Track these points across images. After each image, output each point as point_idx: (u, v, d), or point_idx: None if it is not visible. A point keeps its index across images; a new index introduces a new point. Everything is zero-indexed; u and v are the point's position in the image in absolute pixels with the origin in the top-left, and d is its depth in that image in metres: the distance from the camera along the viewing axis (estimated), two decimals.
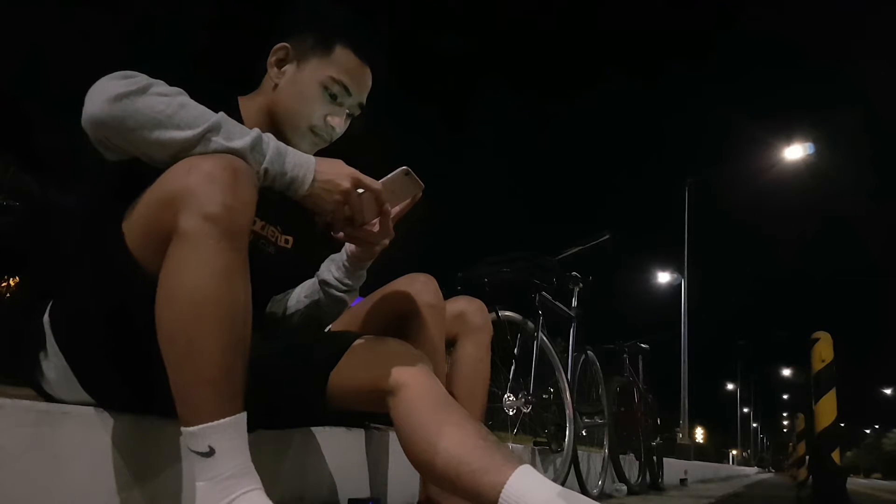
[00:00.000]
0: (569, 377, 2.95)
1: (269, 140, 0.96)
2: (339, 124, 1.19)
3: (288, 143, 1.07)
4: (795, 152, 13.23)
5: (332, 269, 1.28)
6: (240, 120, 1.07)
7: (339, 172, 0.99)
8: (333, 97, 1.17)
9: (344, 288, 1.27)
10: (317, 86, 1.16)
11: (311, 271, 1.33)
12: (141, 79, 0.91)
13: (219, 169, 0.86)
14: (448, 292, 1.38)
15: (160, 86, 0.91)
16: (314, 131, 1.18)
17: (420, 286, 1.28)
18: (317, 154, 1.10)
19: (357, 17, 1.20)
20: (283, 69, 1.18)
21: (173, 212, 0.85)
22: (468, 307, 1.39)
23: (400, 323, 1.27)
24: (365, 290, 1.36)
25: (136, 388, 0.99)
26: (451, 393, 1.05)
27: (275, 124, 1.17)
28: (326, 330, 1.35)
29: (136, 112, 0.88)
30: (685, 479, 6.31)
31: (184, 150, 0.90)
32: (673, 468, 5.96)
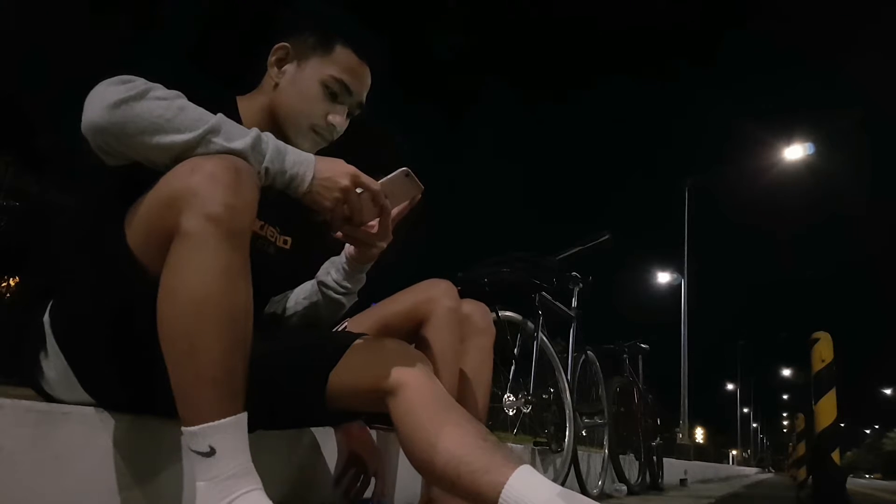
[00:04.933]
0: (569, 377, 2.95)
1: (269, 139, 0.96)
2: (339, 123, 1.19)
3: (289, 142, 1.07)
4: (795, 152, 13.23)
5: (331, 271, 1.28)
6: (238, 120, 1.07)
7: (339, 170, 0.99)
8: (334, 96, 1.17)
9: (342, 290, 1.27)
10: (318, 85, 1.16)
11: (309, 272, 1.33)
12: (139, 83, 0.91)
13: (221, 169, 0.86)
14: None
15: (158, 90, 0.91)
16: (315, 130, 1.18)
17: (442, 291, 1.30)
18: (317, 154, 1.10)
19: (356, 16, 1.21)
20: (283, 68, 1.18)
21: (175, 212, 0.85)
22: (473, 310, 1.40)
23: (420, 325, 1.28)
24: (368, 292, 1.36)
25: (136, 388, 0.99)
26: (455, 396, 1.05)
27: (276, 124, 1.17)
28: (343, 328, 1.35)
29: (136, 117, 0.88)
30: (685, 479, 6.31)
31: (185, 153, 0.90)
32: (673, 468, 5.96)
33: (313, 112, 1.17)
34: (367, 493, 1.46)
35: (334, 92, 1.17)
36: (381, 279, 1.37)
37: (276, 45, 1.18)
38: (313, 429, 1.41)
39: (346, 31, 1.18)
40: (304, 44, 1.17)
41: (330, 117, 1.18)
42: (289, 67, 1.18)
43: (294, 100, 1.16)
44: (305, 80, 1.16)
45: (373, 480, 1.46)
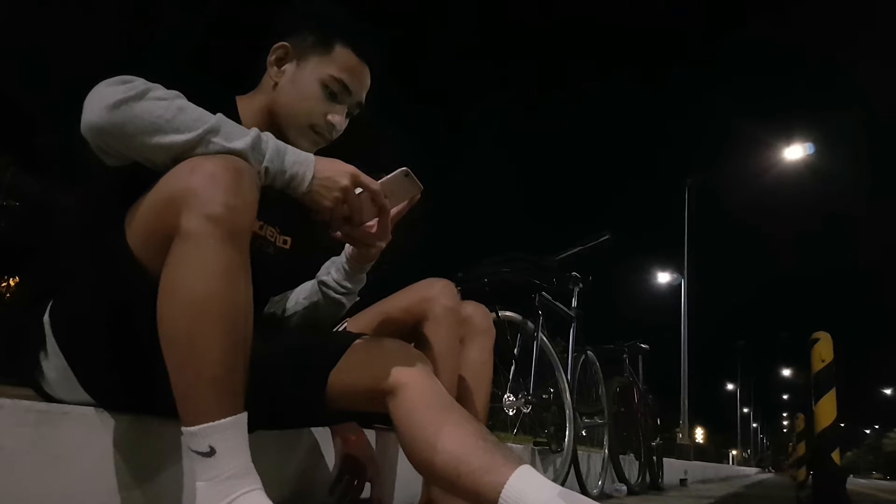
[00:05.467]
0: (569, 377, 2.95)
1: (269, 139, 0.96)
2: (339, 122, 1.19)
3: (288, 142, 1.07)
4: (795, 152, 13.23)
5: (331, 270, 1.28)
6: (238, 120, 1.07)
7: (339, 170, 0.99)
8: (333, 96, 1.17)
9: (343, 290, 1.27)
10: (317, 84, 1.16)
11: (309, 272, 1.33)
12: (138, 83, 0.91)
13: (221, 169, 0.86)
14: None
15: (158, 90, 0.91)
16: (314, 130, 1.18)
17: (439, 289, 1.30)
18: (316, 154, 1.10)
19: (356, 15, 1.21)
20: (282, 68, 1.18)
21: (176, 212, 0.85)
22: (475, 311, 1.40)
23: (418, 324, 1.28)
24: (370, 292, 1.36)
25: (136, 388, 0.99)
26: (454, 395, 1.04)
27: (275, 123, 1.17)
28: (343, 328, 1.35)
29: (136, 118, 0.88)
30: (685, 480, 6.31)
31: (184, 154, 0.90)
32: (673, 468, 5.96)
33: (312, 111, 1.16)
34: (365, 494, 1.46)
35: (333, 91, 1.17)
36: (382, 279, 1.37)
37: (276, 45, 1.18)
38: (313, 429, 1.41)
39: (345, 31, 1.18)
40: (303, 43, 1.17)
41: (329, 117, 1.18)
42: (288, 67, 1.18)
43: (293, 99, 1.16)
44: (305, 79, 1.16)
45: (368, 487, 1.46)
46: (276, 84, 1.18)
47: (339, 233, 1.08)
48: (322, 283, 1.28)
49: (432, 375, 1.03)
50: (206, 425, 0.82)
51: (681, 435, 12.39)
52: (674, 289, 14.80)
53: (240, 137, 0.92)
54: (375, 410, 1.03)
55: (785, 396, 49.19)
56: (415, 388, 0.99)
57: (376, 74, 1.23)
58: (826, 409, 3.09)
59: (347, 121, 1.23)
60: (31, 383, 1.04)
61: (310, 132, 1.18)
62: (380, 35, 1.23)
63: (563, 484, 2.34)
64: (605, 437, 3.41)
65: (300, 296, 1.32)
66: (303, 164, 0.98)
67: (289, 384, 1.07)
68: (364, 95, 1.23)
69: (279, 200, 1.01)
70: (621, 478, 3.45)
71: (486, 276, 2.59)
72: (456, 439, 0.93)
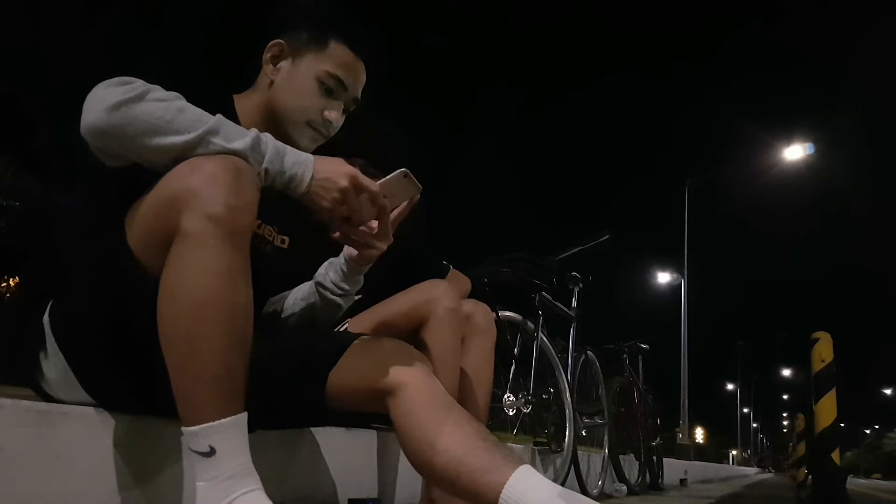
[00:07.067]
0: (569, 377, 2.95)
1: (268, 140, 0.96)
2: (335, 118, 1.19)
3: (286, 139, 1.07)
4: (795, 152, 13.23)
5: (329, 272, 1.28)
6: (236, 119, 1.07)
7: (338, 171, 0.99)
8: (329, 91, 1.17)
9: (340, 292, 1.27)
10: (312, 80, 1.16)
11: (307, 271, 1.33)
12: (137, 85, 0.91)
13: (221, 169, 0.86)
14: None
15: (157, 91, 0.91)
16: (311, 126, 1.18)
17: (442, 291, 1.30)
18: (315, 152, 1.10)
19: (350, 12, 1.21)
20: (278, 65, 1.18)
21: (176, 212, 0.85)
22: (475, 310, 1.40)
23: (420, 325, 1.28)
24: (370, 292, 1.36)
25: (136, 389, 0.99)
26: (455, 396, 1.04)
27: (272, 121, 1.17)
28: (343, 328, 1.35)
29: (135, 119, 0.88)
30: (685, 479, 6.31)
31: (184, 154, 0.90)
32: (673, 468, 5.96)
33: (309, 108, 1.17)
34: (364, 495, 1.46)
35: (329, 87, 1.17)
36: (383, 279, 1.37)
37: (271, 43, 1.18)
38: (313, 429, 1.40)
39: (339, 27, 1.18)
40: (298, 40, 1.17)
41: (326, 113, 1.18)
42: (284, 64, 1.18)
43: (290, 96, 1.16)
44: (300, 76, 1.16)
45: (368, 489, 1.44)
46: (272, 82, 1.18)
47: (338, 233, 1.08)
48: (319, 285, 1.28)
49: (432, 375, 1.03)
50: (206, 425, 0.82)
51: (681, 435, 12.38)
52: (674, 288, 14.80)
53: (239, 138, 0.93)
54: (375, 410, 1.03)
55: (785, 396, 49.15)
56: (415, 388, 0.99)
57: (372, 70, 1.23)
58: (826, 409, 3.10)
59: (344, 117, 1.23)
60: (31, 383, 1.04)
61: (307, 129, 1.18)
62: (375, 31, 1.23)
63: (563, 484, 2.34)
64: (605, 437, 3.41)
65: (298, 296, 1.32)
66: (302, 164, 0.98)
67: (289, 384, 1.07)
68: (360, 91, 1.23)
69: (277, 199, 1.01)
70: (621, 478, 3.45)
71: (486, 275, 2.59)
72: (456, 439, 0.93)
